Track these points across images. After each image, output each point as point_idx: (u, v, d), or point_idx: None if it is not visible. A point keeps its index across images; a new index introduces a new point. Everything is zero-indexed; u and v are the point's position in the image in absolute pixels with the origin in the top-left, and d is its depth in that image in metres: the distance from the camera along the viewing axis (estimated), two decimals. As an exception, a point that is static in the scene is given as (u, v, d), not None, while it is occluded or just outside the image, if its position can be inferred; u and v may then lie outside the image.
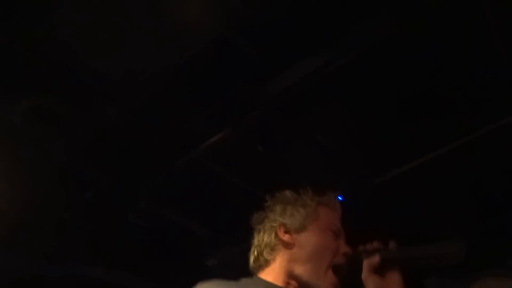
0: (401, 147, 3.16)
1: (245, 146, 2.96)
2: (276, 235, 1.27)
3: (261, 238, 1.29)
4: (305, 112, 2.82)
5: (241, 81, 2.56)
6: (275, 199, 1.37)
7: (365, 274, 1.24)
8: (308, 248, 1.25)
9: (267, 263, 1.26)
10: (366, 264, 1.25)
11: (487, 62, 2.62)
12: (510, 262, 4.85)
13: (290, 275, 1.23)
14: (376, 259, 1.23)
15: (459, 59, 2.60)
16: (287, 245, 1.26)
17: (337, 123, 2.92)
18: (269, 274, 1.25)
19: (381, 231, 1.33)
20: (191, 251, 3.77)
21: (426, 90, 2.82)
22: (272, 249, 1.26)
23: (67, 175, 2.97)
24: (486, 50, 2.55)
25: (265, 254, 1.26)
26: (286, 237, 1.27)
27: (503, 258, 4.91)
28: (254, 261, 1.30)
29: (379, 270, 1.24)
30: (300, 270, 1.23)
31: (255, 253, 1.29)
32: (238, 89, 2.59)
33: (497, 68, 2.66)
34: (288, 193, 1.37)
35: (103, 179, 3.06)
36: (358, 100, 2.85)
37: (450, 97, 2.91)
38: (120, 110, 2.62)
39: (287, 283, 1.23)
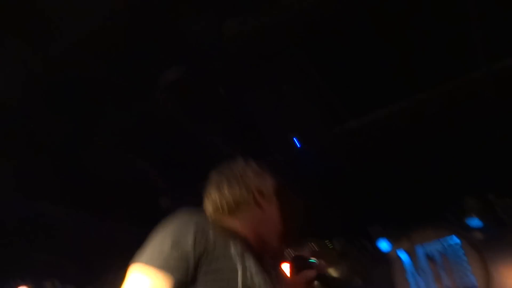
0: (361, 98, 3.21)
1: (204, 88, 2.89)
2: (254, 196, 1.40)
3: (236, 192, 1.38)
4: (267, 58, 2.77)
5: (199, 21, 2.46)
6: (243, 163, 1.47)
7: (298, 280, 1.46)
8: (272, 215, 1.43)
9: (238, 215, 1.37)
10: (304, 273, 1.46)
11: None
12: (447, 215, 5.20)
13: (257, 232, 1.38)
14: (313, 273, 1.46)
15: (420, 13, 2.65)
16: (259, 207, 1.40)
17: (299, 71, 2.89)
18: (238, 226, 1.37)
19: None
20: (146, 192, 3.75)
21: (386, 46, 2.84)
22: (248, 205, 1.38)
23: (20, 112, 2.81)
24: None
25: (240, 207, 1.37)
26: (261, 200, 1.41)
27: (441, 212, 5.25)
28: (228, 209, 1.37)
29: (309, 282, 1.47)
30: (264, 230, 1.40)
31: (231, 203, 1.37)
32: (196, 28, 2.49)
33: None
34: (254, 164, 1.48)
35: (57, 118, 2.93)
36: (322, 50, 2.83)
37: (411, 53, 2.95)
38: (74, 45, 2.46)
39: (253, 239, 1.37)
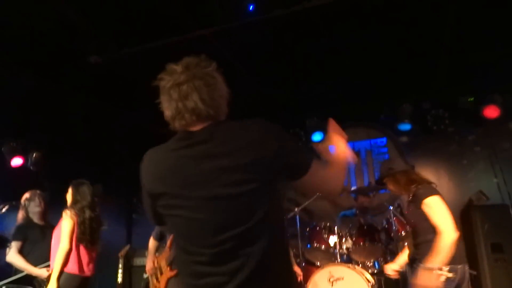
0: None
1: None
2: (226, 103, 1.44)
3: (216, 100, 1.40)
4: None
5: None
6: (212, 67, 1.41)
7: None
8: None
9: (212, 117, 1.39)
10: None
11: None
12: (382, 118, 5.37)
13: None
14: None
15: None
16: (224, 114, 1.44)
17: None
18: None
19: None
20: (73, 46, 3.39)
21: None
22: (220, 112, 1.42)
23: None
24: None
25: (218, 110, 1.40)
26: (226, 109, 1.45)
27: (376, 114, 5.41)
28: (215, 116, 1.40)
29: None
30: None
31: (217, 110, 1.40)
32: None
33: None
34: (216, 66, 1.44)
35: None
36: None
37: None
38: None
39: None
